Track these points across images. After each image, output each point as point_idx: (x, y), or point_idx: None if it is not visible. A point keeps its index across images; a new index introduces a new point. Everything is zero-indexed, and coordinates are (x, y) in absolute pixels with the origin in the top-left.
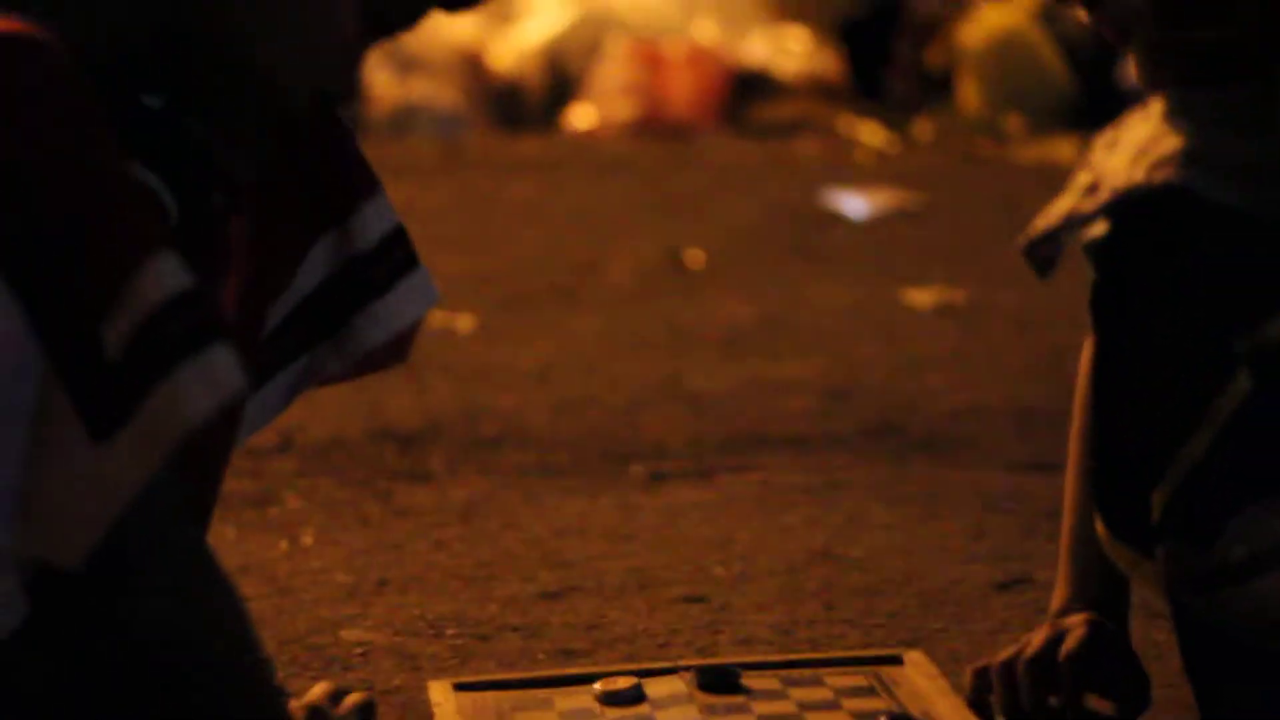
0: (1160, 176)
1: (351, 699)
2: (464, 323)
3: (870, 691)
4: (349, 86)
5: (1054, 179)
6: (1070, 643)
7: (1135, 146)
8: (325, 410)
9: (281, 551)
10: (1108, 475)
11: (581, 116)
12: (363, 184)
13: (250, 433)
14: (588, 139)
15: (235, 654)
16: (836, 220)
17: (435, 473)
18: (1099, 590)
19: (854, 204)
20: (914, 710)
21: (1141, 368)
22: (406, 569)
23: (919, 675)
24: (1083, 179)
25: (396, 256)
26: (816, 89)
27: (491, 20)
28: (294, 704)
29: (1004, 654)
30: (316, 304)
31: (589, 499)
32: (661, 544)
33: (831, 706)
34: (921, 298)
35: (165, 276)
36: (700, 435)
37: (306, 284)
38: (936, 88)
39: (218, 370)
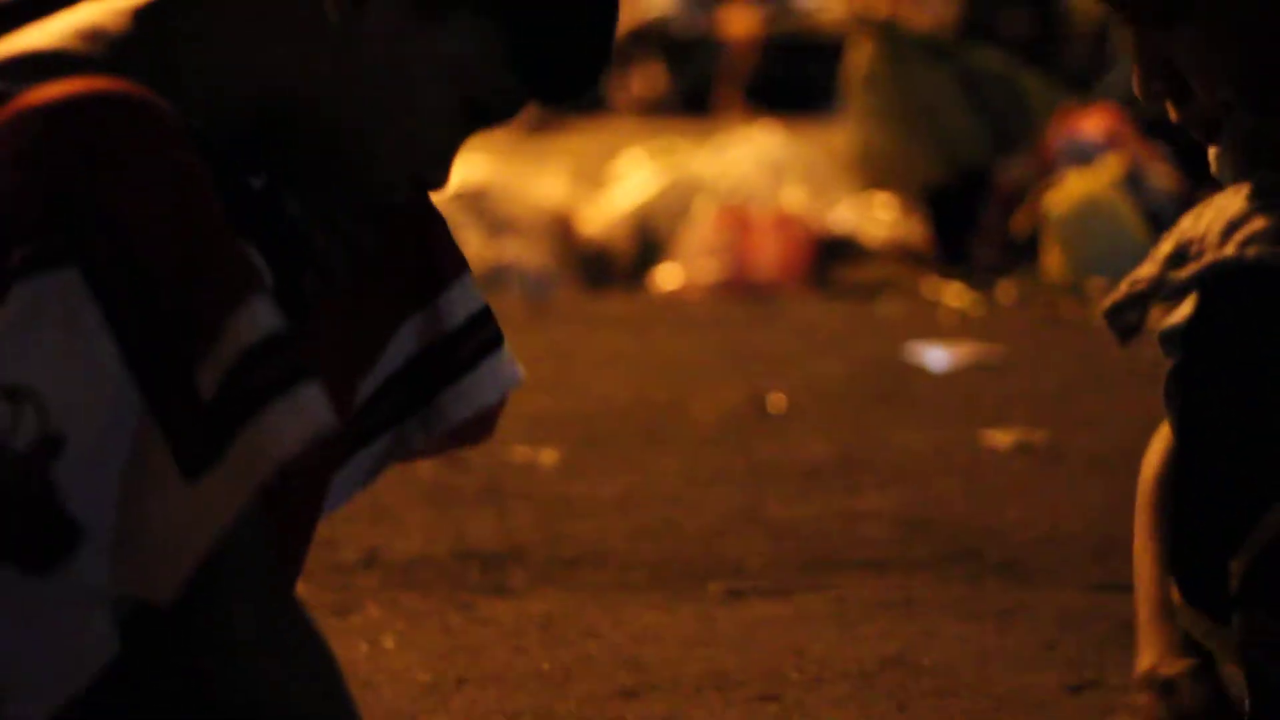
0: (1252, 253)
1: None
2: (547, 457)
3: None
4: (445, 176)
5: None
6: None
7: (1226, 221)
8: (409, 531)
9: (362, 653)
10: (1186, 544)
11: (668, 277)
12: (451, 265)
13: (336, 506)
14: (674, 299)
15: (332, 708)
16: (918, 372)
17: (516, 588)
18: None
19: (936, 356)
20: None
21: (1224, 440)
22: (485, 669)
23: None
24: (1165, 247)
25: (482, 336)
26: (902, 254)
27: (582, 185)
28: None
29: None
30: (404, 381)
31: (667, 612)
32: (738, 650)
33: None
34: (1001, 438)
35: (258, 319)
36: (778, 558)
37: (394, 361)
38: (1021, 254)
39: (308, 407)
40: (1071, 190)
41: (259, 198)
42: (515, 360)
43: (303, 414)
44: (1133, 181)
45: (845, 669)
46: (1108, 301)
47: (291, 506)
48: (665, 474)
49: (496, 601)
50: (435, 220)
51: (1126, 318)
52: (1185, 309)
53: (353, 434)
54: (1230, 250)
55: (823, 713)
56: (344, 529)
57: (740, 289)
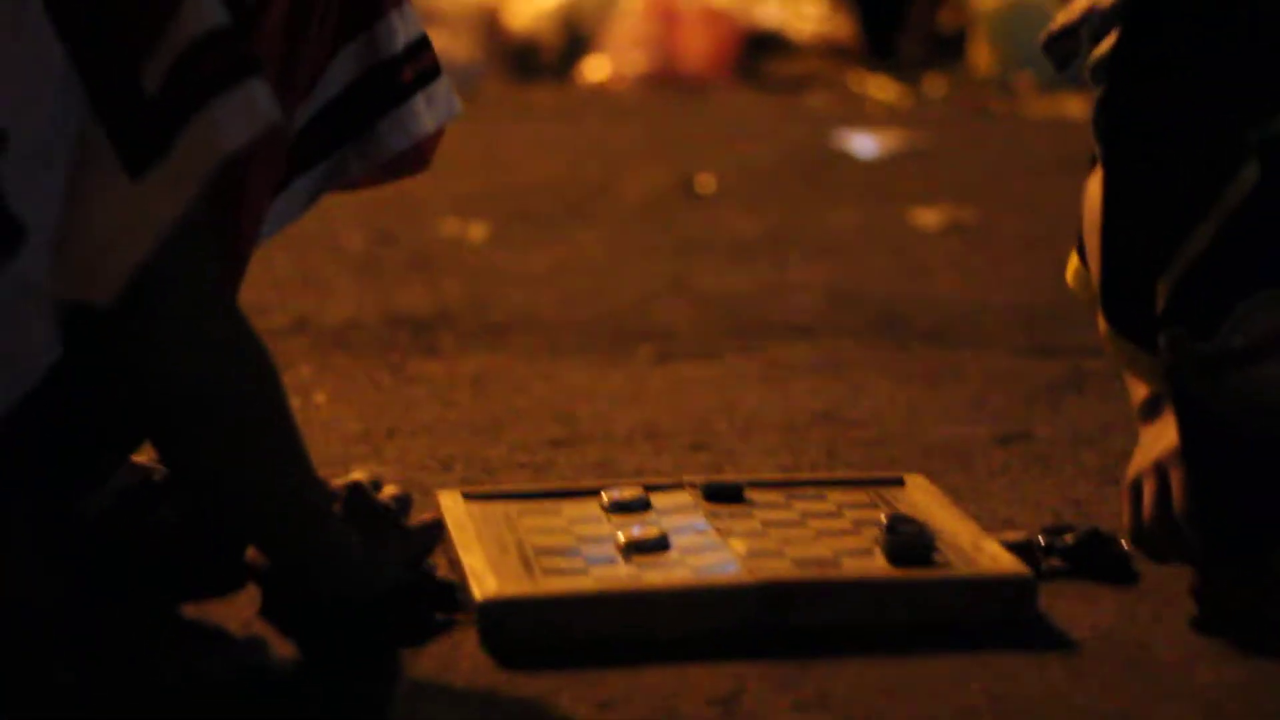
0: None
1: (389, 489)
2: (476, 231)
3: (871, 505)
4: None
5: (1064, 130)
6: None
7: None
8: (339, 299)
9: (293, 407)
10: (1114, 269)
11: (595, 69)
12: None
13: (274, 230)
14: (601, 89)
15: (268, 404)
16: (846, 158)
17: (445, 350)
18: None
19: (863, 143)
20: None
21: (1152, 163)
22: (416, 421)
23: (919, 493)
24: None
25: (421, 65)
26: (829, 49)
27: None
28: (334, 481)
29: (1139, 462)
30: (341, 108)
31: (597, 372)
32: (668, 405)
33: (833, 515)
34: (930, 218)
35: (203, 13)
36: (707, 324)
37: (332, 88)
38: (948, 49)
39: (254, 102)
40: None
41: None
42: (453, 91)
43: (250, 107)
44: None
45: (775, 421)
46: (1044, 32)
47: (228, 224)
48: (594, 247)
49: (426, 362)
50: None
51: (1063, 45)
52: (1110, 42)
53: (290, 160)
54: None
55: (753, 460)
56: (273, 295)
57: (668, 80)
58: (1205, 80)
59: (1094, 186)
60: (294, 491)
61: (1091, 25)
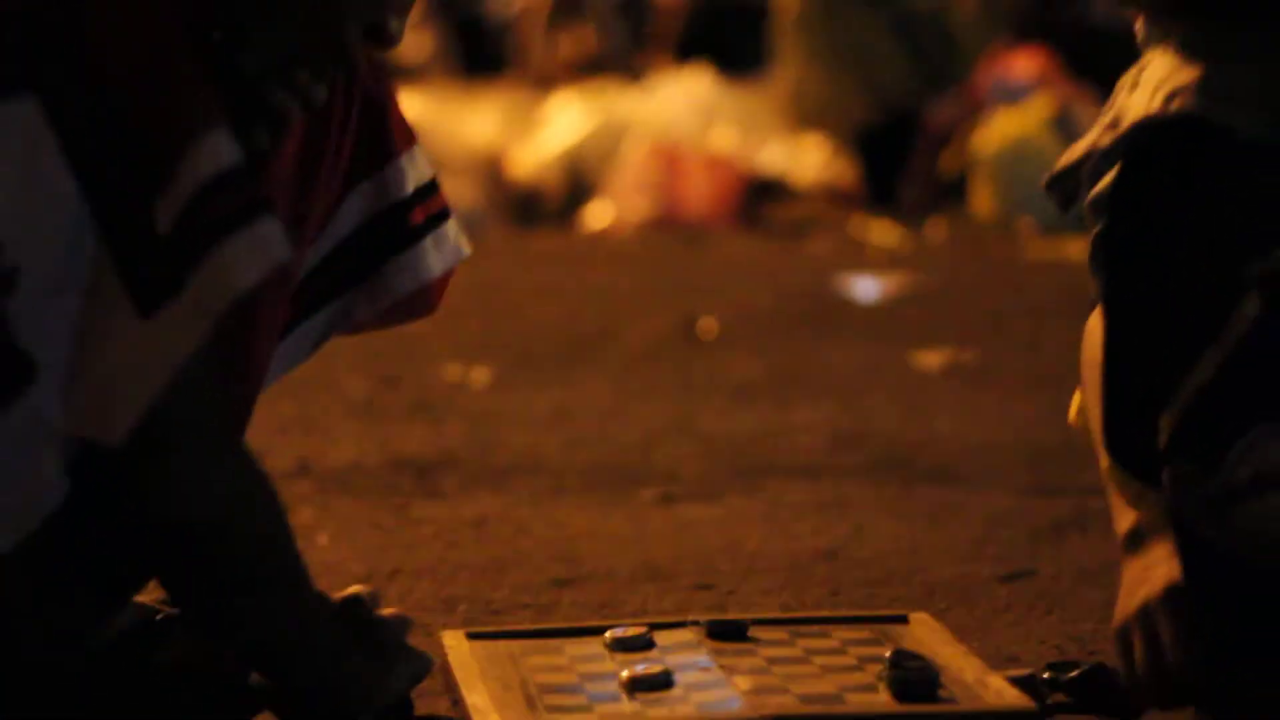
0: (1176, 106)
1: (388, 610)
2: (479, 375)
3: (875, 642)
4: (401, 28)
5: (1064, 272)
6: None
7: (1153, 83)
8: (341, 443)
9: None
10: (1116, 407)
11: (598, 215)
12: (401, 137)
13: (280, 374)
14: (604, 236)
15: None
16: (848, 301)
17: (448, 493)
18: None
19: (865, 286)
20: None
21: (1152, 297)
22: (419, 562)
23: (923, 630)
24: (1105, 118)
25: (429, 208)
26: (831, 195)
27: (513, 127)
28: (334, 596)
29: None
30: (350, 251)
31: (600, 513)
32: (671, 546)
33: (837, 652)
34: (931, 359)
35: (218, 153)
36: (710, 466)
37: (341, 230)
38: (950, 194)
39: (266, 240)
40: (1001, 130)
41: (214, 49)
42: (462, 235)
43: (262, 246)
44: (1062, 121)
45: (778, 562)
46: (1047, 174)
47: (237, 368)
48: (597, 391)
49: (429, 504)
50: (387, 93)
51: (1065, 185)
52: (1109, 179)
53: (297, 303)
54: (1156, 106)
55: (756, 599)
56: (275, 440)
57: (670, 226)
58: (1204, 215)
59: (1093, 323)
60: (299, 621)
61: (1092, 163)
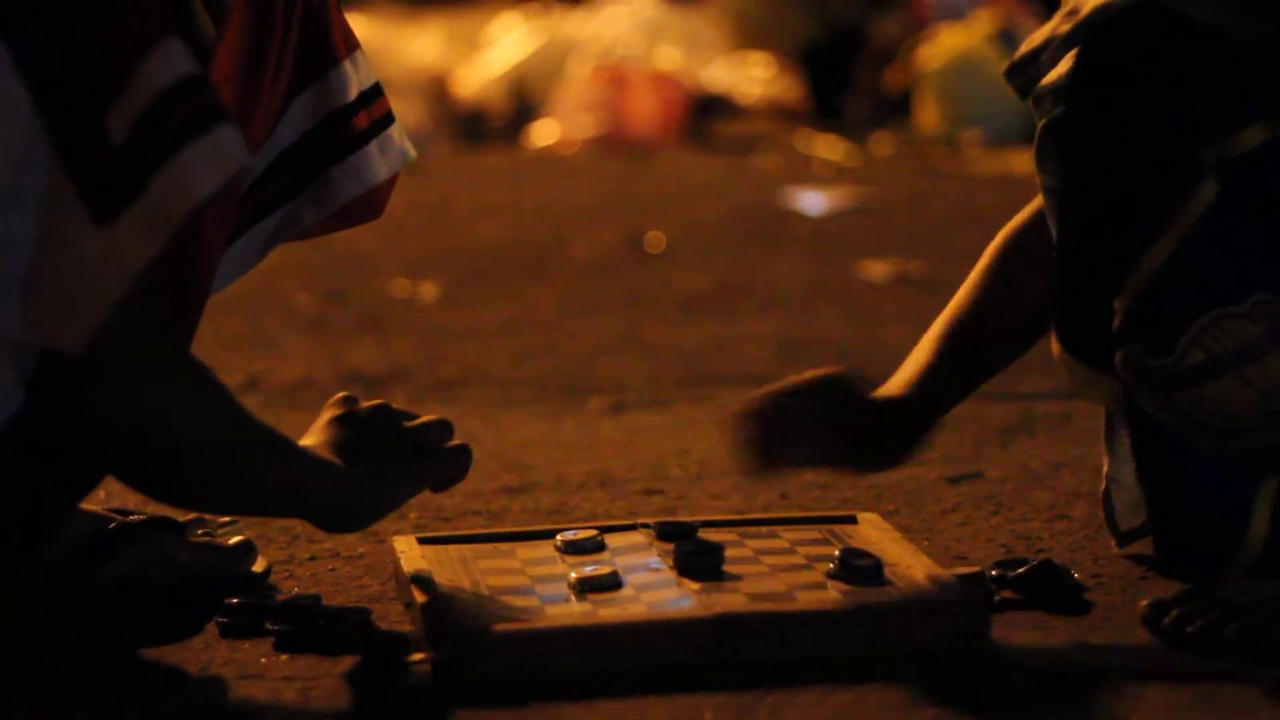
0: None
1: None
2: (427, 290)
3: (824, 542)
4: None
5: (1010, 186)
6: None
7: None
8: (290, 358)
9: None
10: (1068, 291)
11: (543, 133)
12: (343, 43)
13: (229, 280)
14: (550, 153)
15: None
16: (794, 215)
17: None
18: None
19: (811, 199)
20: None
21: (1107, 182)
22: None
23: (872, 530)
24: (1066, 7)
25: (373, 113)
26: (777, 111)
27: (458, 46)
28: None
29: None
30: (295, 157)
31: (550, 423)
32: (621, 453)
33: (786, 552)
34: (878, 269)
35: (173, 61)
36: (659, 375)
37: (286, 137)
38: (895, 109)
39: (224, 148)
40: (945, 45)
41: None
42: (406, 138)
43: (220, 153)
44: (1006, 36)
45: (728, 467)
46: (1007, 61)
47: (182, 274)
48: (545, 304)
49: None
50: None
51: (1025, 73)
52: (1064, 67)
53: (244, 209)
54: None
55: (706, 504)
56: (225, 356)
57: (617, 144)
58: (1162, 100)
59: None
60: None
61: (1051, 50)
